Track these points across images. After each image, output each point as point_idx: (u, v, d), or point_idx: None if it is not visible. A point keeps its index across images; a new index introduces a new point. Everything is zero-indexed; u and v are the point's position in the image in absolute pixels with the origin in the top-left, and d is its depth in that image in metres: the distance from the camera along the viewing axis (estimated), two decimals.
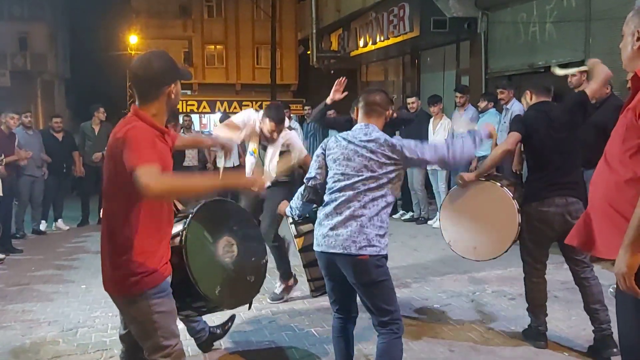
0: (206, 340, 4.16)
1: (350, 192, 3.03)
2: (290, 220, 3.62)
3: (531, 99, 4.12)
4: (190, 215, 2.79)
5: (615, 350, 3.69)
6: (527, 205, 3.97)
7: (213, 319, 4.19)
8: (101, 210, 2.58)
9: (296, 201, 3.39)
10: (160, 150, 2.39)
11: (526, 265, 4.07)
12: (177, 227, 2.75)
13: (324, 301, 5.10)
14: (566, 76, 6.44)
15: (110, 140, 2.43)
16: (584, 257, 3.88)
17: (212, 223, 2.90)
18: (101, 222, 2.59)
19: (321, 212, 3.16)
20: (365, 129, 3.15)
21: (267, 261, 3.23)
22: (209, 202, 3.03)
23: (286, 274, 5.27)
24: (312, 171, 3.24)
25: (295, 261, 5.03)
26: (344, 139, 3.16)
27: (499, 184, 4.11)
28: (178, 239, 2.71)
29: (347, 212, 3.03)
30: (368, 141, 3.08)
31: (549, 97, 4.14)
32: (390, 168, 3.05)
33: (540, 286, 4.04)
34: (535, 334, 4.09)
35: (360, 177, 3.03)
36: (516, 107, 7.40)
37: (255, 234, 3.17)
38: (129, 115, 2.50)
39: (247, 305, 3.17)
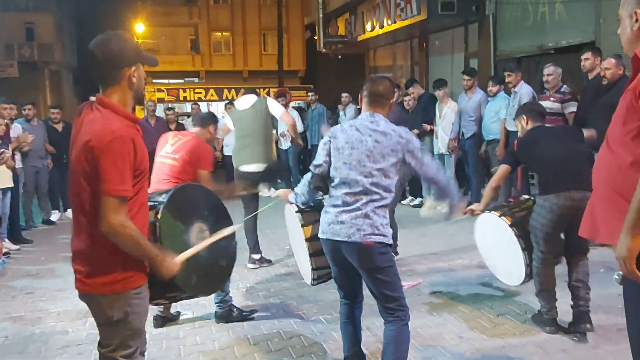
0: (224, 312, 4.48)
1: (356, 187, 3.06)
2: (296, 208, 3.59)
3: (527, 124, 4.26)
4: (163, 205, 2.67)
5: (589, 326, 3.93)
6: (542, 198, 3.97)
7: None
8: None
9: (302, 187, 3.40)
10: (138, 150, 2.27)
11: (535, 252, 4.04)
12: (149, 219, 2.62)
13: (332, 289, 5.08)
14: (579, 60, 6.33)
15: (82, 143, 2.23)
16: (585, 252, 4.05)
17: (183, 211, 2.81)
18: (75, 219, 2.39)
19: (327, 201, 3.19)
20: (371, 118, 3.17)
21: (236, 243, 3.20)
22: (178, 189, 2.93)
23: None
24: (319, 158, 3.25)
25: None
26: (350, 126, 3.18)
27: (498, 214, 4.23)
28: (150, 231, 2.57)
29: (352, 202, 3.06)
30: (375, 131, 3.09)
31: (543, 121, 4.30)
32: (393, 160, 3.08)
33: (548, 271, 4.02)
34: (546, 320, 4.06)
35: (364, 168, 3.05)
36: (524, 90, 7.29)
37: (225, 217, 3.10)
38: (95, 105, 2.32)
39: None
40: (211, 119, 4.84)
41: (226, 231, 2.91)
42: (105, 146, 2.19)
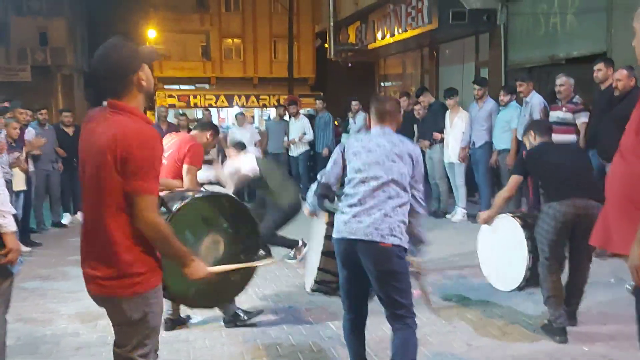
0: (230, 317, 4.52)
1: (374, 183, 3.09)
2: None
3: (534, 139, 4.41)
4: (171, 214, 2.68)
5: (574, 321, 4.16)
6: (546, 205, 4.08)
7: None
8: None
9: (310, 197, 3.48)
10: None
11: (540, 260, 4.10)
12: None
13: None
14: (592, 70, 6.34)
15: (107, 143, 2.21)
16: (588, 260, 4.15)
17: (197, 221, 2.82)
18: (89, 223, 2.37)
19: (344, 202, 3.20)
20: (382, 130, 3.29)
21: (257, 258, 3.19)
22: (197, 200, 2.95)
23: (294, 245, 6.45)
24: (327, 167, 3.32)
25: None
26: (364, 136, 3.32)
27: (511, 215, 4.44)
28: None
29: (371, 202, 3.07)
30: (389, 139, 3.22)
31: (550, 136, 4.45)
32: (408, 163, 3.18)
33: (554, 278, 4.05)
34: (555, 329, 4.05)
35: (383, 165, 3.11)
36: (536, 100, 7.29)
37: (248, 231, 3.08)
38: (110, 109, 2.32)
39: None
40: (211, 126, 4.97)
41: (262, 263, 3.01)
42: (141, 144, 2.20)
